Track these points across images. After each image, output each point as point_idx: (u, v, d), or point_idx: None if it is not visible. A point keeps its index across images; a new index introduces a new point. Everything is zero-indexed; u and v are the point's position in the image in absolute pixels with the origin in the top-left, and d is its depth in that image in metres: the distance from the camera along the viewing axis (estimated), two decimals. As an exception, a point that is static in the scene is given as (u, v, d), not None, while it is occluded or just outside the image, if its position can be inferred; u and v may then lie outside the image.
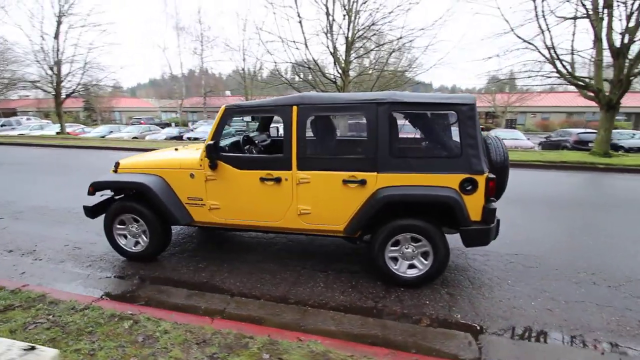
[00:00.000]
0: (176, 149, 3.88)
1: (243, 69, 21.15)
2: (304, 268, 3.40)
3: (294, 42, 13.48)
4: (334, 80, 12.74)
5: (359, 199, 2.95)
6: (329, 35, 13.22)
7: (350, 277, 3.24)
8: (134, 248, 3.50)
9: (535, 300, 2.87)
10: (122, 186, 3.35)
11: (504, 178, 3.11)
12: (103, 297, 2.86)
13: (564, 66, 10.47)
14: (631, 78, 9.41)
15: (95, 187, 3.42)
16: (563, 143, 15.98)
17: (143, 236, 3.47)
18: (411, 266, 3.02)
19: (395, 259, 3.02)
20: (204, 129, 22.61)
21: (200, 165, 3.23)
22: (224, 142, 3.48)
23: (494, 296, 2.93)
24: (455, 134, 2.98)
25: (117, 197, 3.68)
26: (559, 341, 2.39)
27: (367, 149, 2.88)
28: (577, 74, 10.64)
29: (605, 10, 9.37)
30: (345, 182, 2.94)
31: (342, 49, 12.85)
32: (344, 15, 12.60)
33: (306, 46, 12.94)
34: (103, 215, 3.53)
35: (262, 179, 3.08)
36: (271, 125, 4.71)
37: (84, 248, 3.89)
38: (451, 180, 2.80)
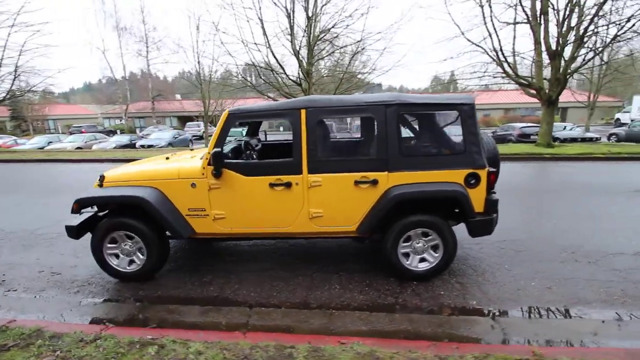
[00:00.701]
0: (167, 158, 3.64)
1: (198, 72, 20.24)
2: (315, 272, 3.38)
3: (255, 44, 13.29)
4: (299, 82, 12.74)
5: (371, 198, 3.01)
6: (288, 37, 13.22)
7: (363, 276, 3.28)
8: (128, 268, 3.23)
9: (534, 280, 3.14)
10: (117, 201, 3.07)
11: (497, 171, 3.36)
12: (107, 324, 2.60)
13: (510, 66, 11.52)
14: (567, 77, 10.64)
15: (80, 204, 3.10)
16: (508, 137, 17.56)
17: (139, 254, 3.21)
18: (422, 260, 3.14)
19: (406, 255, 3.13)
20: (159, 135, 21.36)
21: (203, 174, 3.07)
22: (225, 149, 3.34)
23: (497, 281, 3.16)
24: (451, 132, 3.17)
25: (102, 214, 3.36)
26: (565, 315, 2.64)
27: (378, 149, 2.95)
28: (521, 74, 11.76)
29: (542, 17, 10.50)
30: (357, 183, 2.98)
31: (304, 51, 12.90)
32: (306, 18, 12.66)
33: (269, 48, 12.80)
34: (83, 235, 3.20)
35: (272, 185, 3.01)
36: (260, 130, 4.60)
37: (65, 272, 3.49)
38: (457, 176, 2.97)
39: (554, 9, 10.46)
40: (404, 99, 2.93)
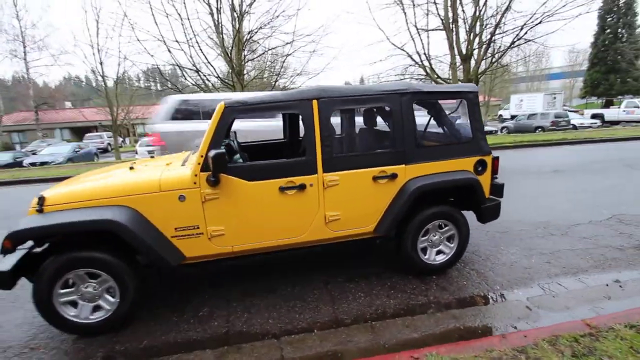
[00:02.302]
0: (132, 168, 2.86)
1: (102, 74, 17.46)
2: (327, 283, 3.03)
3: (176, 41, 12.03)
4: (232, 83, 11.93)
5: (389, 194, 2.82)
6: (213, 35, 12.33)
7: (380, 279, 3.05)
8: (92, 317, 2.41)
9: (532, 257, 3.34)
10: (76, 229, 2.23)
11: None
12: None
13: (429, 69, 12.68)
14: (478, 78, 12.20)
15: (15, 239, 2.19)
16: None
17: (107, 296, 2.43)
18: (438, 252, 3.07)
19: (424, 249, 3.01)
20: (53, 150, 17.84)
21: (195, 183, 2.47)
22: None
23: (504, 262, 3.27)
24: (454, 120, 3.18)
25: (40, 250, 2.46)
26: (574, 284, 2.84)
27: (395, 141, 2.77)
28: (442, 75, 13.06)
29: (454, 24, 11.84)
30: (375, 178, 2.74)
31: (234, 51, 12.16)
32: (233, 17, 11.96)
33: (193, 47, 11.71)
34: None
35: (282, 189, 2.58)
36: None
37: (-17, 341, 2.45)
38: (467, 164, 2.97)
39: (462, 18, 11.90)
40: (417, 87, 2.81)
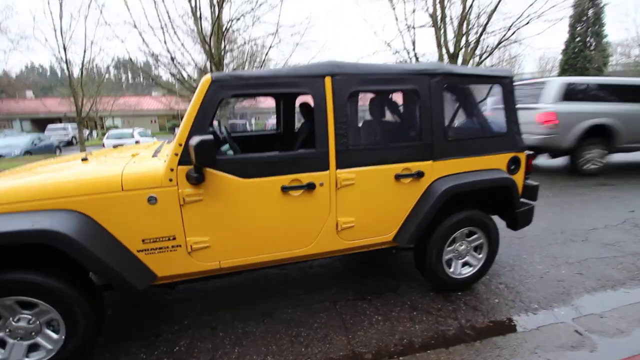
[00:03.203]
0: (85, 159, 2.20)
1: (66, 61, 15.95)
2: (335, 302, 2.51)
3: (150, 26, 11.06)
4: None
5: (413, 196, 2.33)
6: (190, 22, 11.47)
7: (398, 296, 2.57)
8: (26, 361, 1.77)
9: (561, 268, 2.97)
10: None
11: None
12: None
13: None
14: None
15: None
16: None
17: (49, 331, 1.79)
18: (464, 264, 2.62)
19: (449, 261, 2.56)
20: (8, 141, 16.17)
21: (170, 180, 1.87)
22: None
23: (532, 274, 2.87)
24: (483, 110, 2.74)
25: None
26: (616, 299, 2.47)
27: (422, 132, 2.28)
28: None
29: (442, 23, 11.64)
30: (398, 177, 2.25)
31: (213, 40, 11.34)
32: (212, 4, 11.14)
33: (168, 33, 10.81)
34: None
35: (286, 189, 2.03)
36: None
37: None
38: (500, 161, 2.54)
39: (449, 17, 11.73)
40: (448, 68, 2.33)
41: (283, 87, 2.02)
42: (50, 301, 1.72)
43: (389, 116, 2.54)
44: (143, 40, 11.38)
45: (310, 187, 2.06)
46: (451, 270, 2.56)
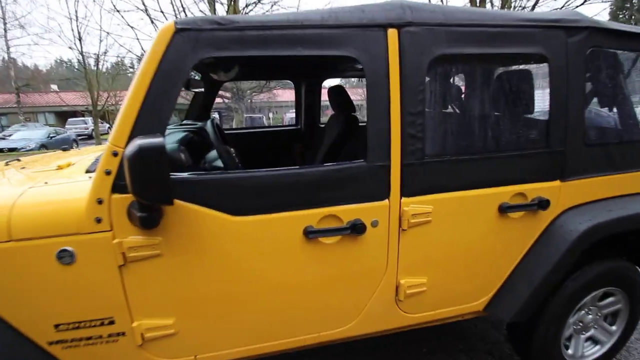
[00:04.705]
0: (7, 164, 1.38)
1: (81, 52, 15.62)
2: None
3: (161, 12, 10.34)
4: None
5: (525, 239, 1.39)
6: (205, 9, 10.66)
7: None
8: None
9: None
10: None
11: None
12: None
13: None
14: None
15: None
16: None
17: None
18: (588, 340, 1.65)
19: (568, 339, 1.59)
20: (25, 134, 16.10)
21: (99, 221, 1.00)
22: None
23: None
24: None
25: None
26: None
27: (549, 131, 1.30)
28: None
29: (482, 4, 10.41)
30: (504, 209, 1.29)
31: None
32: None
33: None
34: None
35: (311, 234, 1.12)
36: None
37: None
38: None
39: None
40: (597, 22, 1.34)
41: (305, 45, 1.07)
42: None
43: (488, 104, 1.52)
44: (156, 28, 10.71)
45: (356, 228, 1.14)
46: (570, 352, 1.60)
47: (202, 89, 2.14)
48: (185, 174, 1.03)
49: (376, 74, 1.10)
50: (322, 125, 2.65)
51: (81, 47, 15.85)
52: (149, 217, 0.94)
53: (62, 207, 1.01)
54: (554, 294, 1.44)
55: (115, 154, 0.98)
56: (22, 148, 14.23)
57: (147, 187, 0.85)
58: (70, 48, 15.93)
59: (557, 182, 1.35)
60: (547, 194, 1.33)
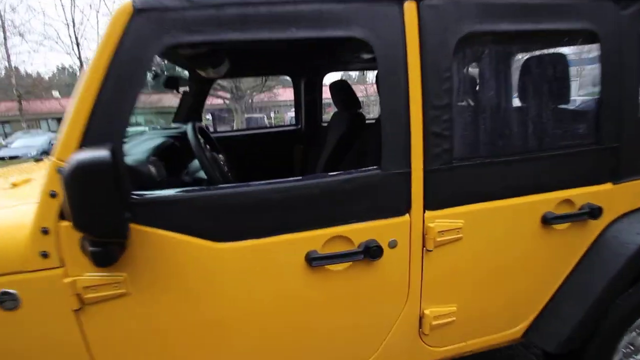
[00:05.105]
0: None
1: (79, 57, 15.55)
2: None
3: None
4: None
5: (572, 254, 1.16)
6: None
7: None
8: None
9: None
10: None
11: None
12: None
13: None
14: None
15: None
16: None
17: None
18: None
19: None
20: (26, 142, 16.03)
21: (45, 256, 0.78)
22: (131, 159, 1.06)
23: None
24: None
25: None
26: None
27: (600, 123, 1.08)
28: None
29: None
30: (548, 220, 1.07)
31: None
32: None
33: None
34: None
35: (316, 260, 0.90)
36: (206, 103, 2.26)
37: None
38: None
39: None
40: None
41: (299, 25, 0.84)
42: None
43: (528, 93, 1.27)
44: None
45: (371, 252, 0.92)
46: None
47: (187, 88, 1.92)
48: (153, 193, 0.82)
49: (391, 59, 0.88)
50: (325, 124, 2.43)
51: (79, 52, 15.76)
52: (103, 253, 0.72)
53: (1, 239, 0.81)
54: (604, 315, 1.21)
55: (61, 172, 0.77)
56: (24, 155, 14.15)
57: (91, 217, 0.64)
58: (67, 54, 15.83)
59: (608, 185, 1.12)
60: (598, 199, 1.11)
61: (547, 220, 1.07)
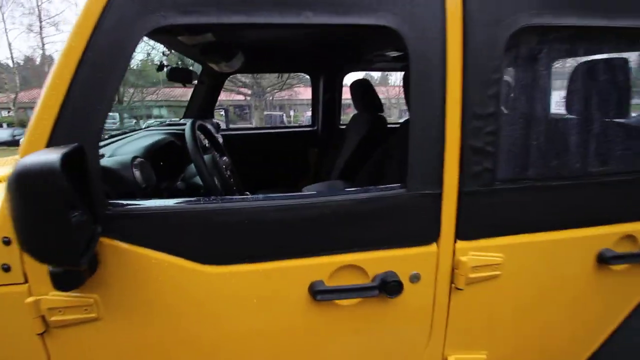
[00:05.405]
0: None
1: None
2: None
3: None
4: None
5: (630, 297, 0.96)
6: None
7: None
8: None
9: None
10: None
11: None
12: None
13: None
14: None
15: None
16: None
17: None
18: None
19: None
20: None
21: (6, 270, 0.67)
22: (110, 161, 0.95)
23: None
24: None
25: None
26: None
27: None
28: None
29: None
30: (605, 259, 0.88)
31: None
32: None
33: None
34: None
35: (322, 294, 0.75)
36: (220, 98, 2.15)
37: None
38: None
39: None
40: None
41: (316, 8, 0.69)
42: None
43: (591, 103, 1.05)
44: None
45: (388, 288, 0.76)
46: None
47: (195, 82, 1.81)
48: (131, 203, 0.69)
49: (426, 55, 0.72)
50: (343, 127, 2.27)
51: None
52: (63, 275, 0.60)
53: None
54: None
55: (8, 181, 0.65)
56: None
57: (34, 238, 0.51)
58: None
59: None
60: (671, 236, 0.91)
61: (604, 260, 0.88)
